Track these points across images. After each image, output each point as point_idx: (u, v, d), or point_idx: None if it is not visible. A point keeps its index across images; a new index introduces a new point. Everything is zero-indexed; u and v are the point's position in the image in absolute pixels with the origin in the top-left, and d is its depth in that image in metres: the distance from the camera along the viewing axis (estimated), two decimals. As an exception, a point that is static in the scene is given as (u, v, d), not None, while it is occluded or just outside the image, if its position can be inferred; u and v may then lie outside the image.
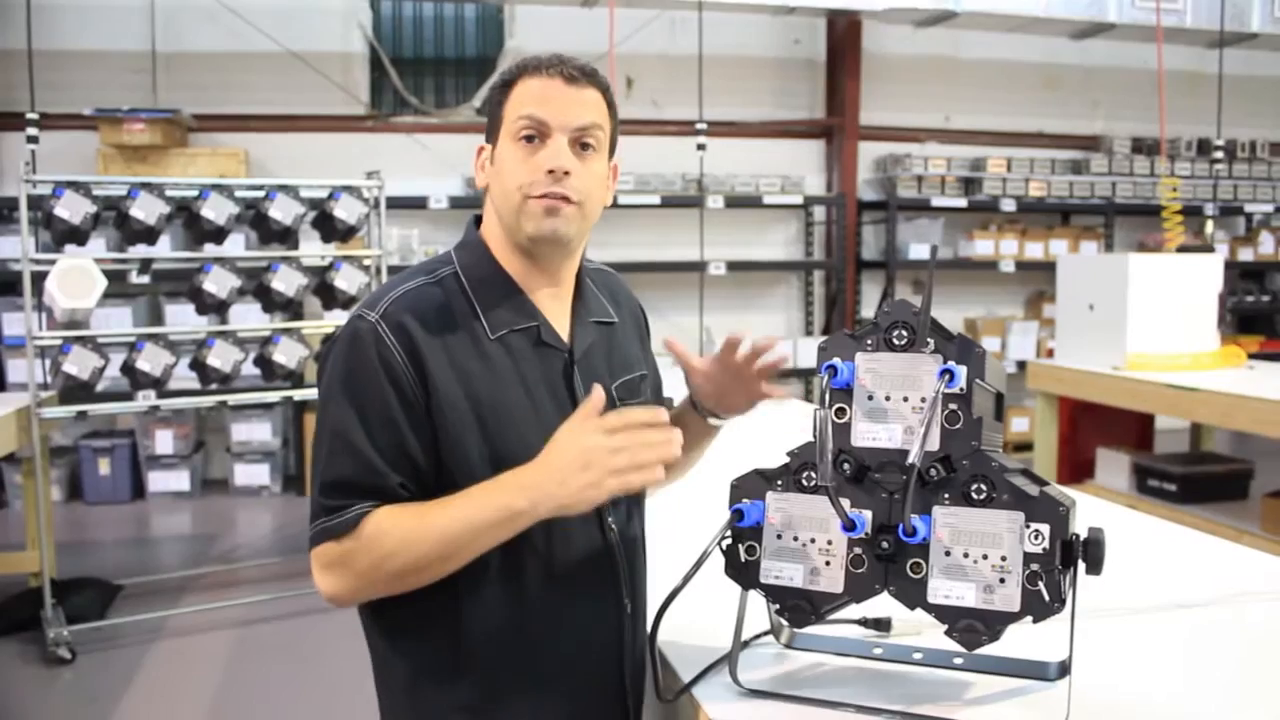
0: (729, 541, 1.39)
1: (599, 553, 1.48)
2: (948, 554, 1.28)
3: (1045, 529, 1.24)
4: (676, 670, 1.47)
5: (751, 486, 1.38)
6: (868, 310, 8.26)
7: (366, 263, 4.88)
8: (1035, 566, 1.24)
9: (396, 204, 6.17)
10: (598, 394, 1.34)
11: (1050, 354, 6.14)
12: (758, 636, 1.55)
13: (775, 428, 3.36)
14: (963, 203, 8.01)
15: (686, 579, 1.34)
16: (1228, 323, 5.43)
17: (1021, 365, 7.84)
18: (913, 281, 8.39)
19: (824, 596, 1.34)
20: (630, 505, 1.55)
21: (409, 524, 1.34)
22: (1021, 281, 8.52)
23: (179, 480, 6.83)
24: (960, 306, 8.34)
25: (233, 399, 4.78)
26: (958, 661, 1.46)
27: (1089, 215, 8.44)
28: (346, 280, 4.76)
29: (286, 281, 4.63)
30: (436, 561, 1.35)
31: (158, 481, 6.82)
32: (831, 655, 1.52)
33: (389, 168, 5.04)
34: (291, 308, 4.77)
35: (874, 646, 1.53)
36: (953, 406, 1.27)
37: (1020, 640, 1.36)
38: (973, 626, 1.26)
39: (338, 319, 5.18)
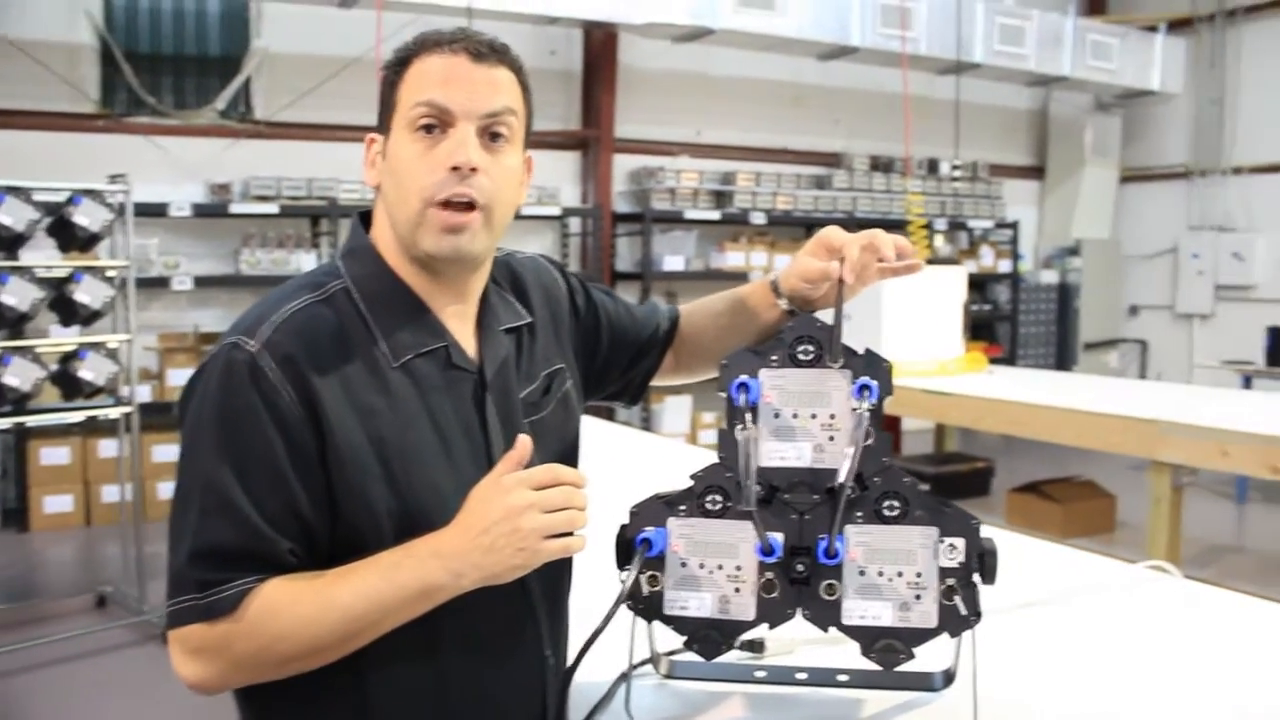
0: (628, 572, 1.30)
1: (520, 609, 1.31)
2: (862, 573, 1.25)
3: (960, 543, 1.23)
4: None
5: (651, 513, 1.29)
6: (624, 321, 8.31)
7: (111, 274, 4.47)
8: (950, 581, 1.23)
9: (134, 211, 5.71)
10: (523, 444, 1.18)
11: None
12: (636, 667, 1.49)
13: (617, 457, 3.23)
14: (715, 215, 8.21)
15: (601, 626, 1.22)
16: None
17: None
18: (665, 292, 8.52)
19: (735, 625, 1.28)
20: None
21: (304, 600, 1.13)
22: (771, 292, 8.81)
23: (-127, 519, 6.05)
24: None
25: (-47, 426, 4.26)
26: (842, 679, 1.44)
27: (832, 229, 8.84)
28: (89, 293, 4.34)
29: (18, 295, 4.16)
30: (336, 644, 1.14)
31: None
32: (713, 682, 1.47)
33: (124, 171, 4.62)
34: (23, 324, 4.30)
35: (755, 670, 1.48)
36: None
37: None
38: (891, 646, 1.23)
39: (75, 337, 4.73)
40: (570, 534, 1.17)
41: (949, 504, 1.25)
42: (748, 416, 1.23)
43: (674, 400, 7.95)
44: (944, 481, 5.57)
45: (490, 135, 1.23)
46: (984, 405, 4.73)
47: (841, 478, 1.18)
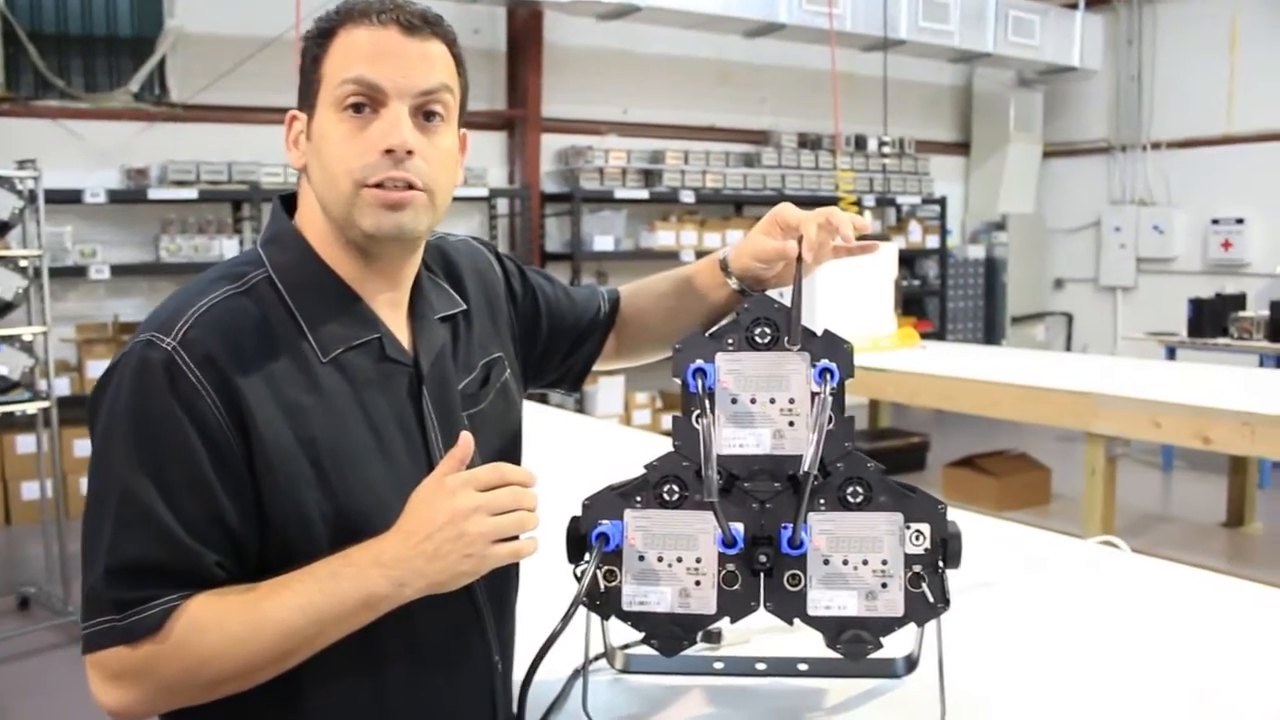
0: (585, 568, 1.24)
1: (465, 615, 1.24)
2: (826, 562, 1.21)
3: (926, 528, 1.20)
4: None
5: (606, 506, 1.24)
6: (555, 303, 8.23)
7: (23, 264, 4.30)
8: (917, 568, 1.20)
9: (46, 198, 5.50)
10: (465, 442, 1.10)
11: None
12: (590, 662, 1.44)
13: (553, 442, 3.17)
14: (644, 194, 8.15)
15: (560, 628, 1.16)
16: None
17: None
18: (595, 273, 8.46)
19: (696, 619, 1.24)
20: None
21: (234, 617, 1.05)
22: (701, 271, 8.79)
23: None
24: (644, 297, 8.49)
25: None
26: (802, 668, 1.41)
27: (761, 206, 8.82)
28: (0, 284, 4.17)
29: (-77, 287, 4.00)
30: (270, 663, 1.06)
31: None
32: (671, 676, 1.43)
33: (33, 156, 4.44)
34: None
35: (713, 661, 1.45)
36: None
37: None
38: (858, 637, 1.20)
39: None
40: (517, 537, 1.11)
41: (914, 489, 1.22)
42: (706, 403, 1.18)
43: (607, 381, 7.90)
44: (880, 457, 5.42)
45: (425, 114, 1.16)
46: (920, 380, 4.75)
47: (806, 465, 1.13)
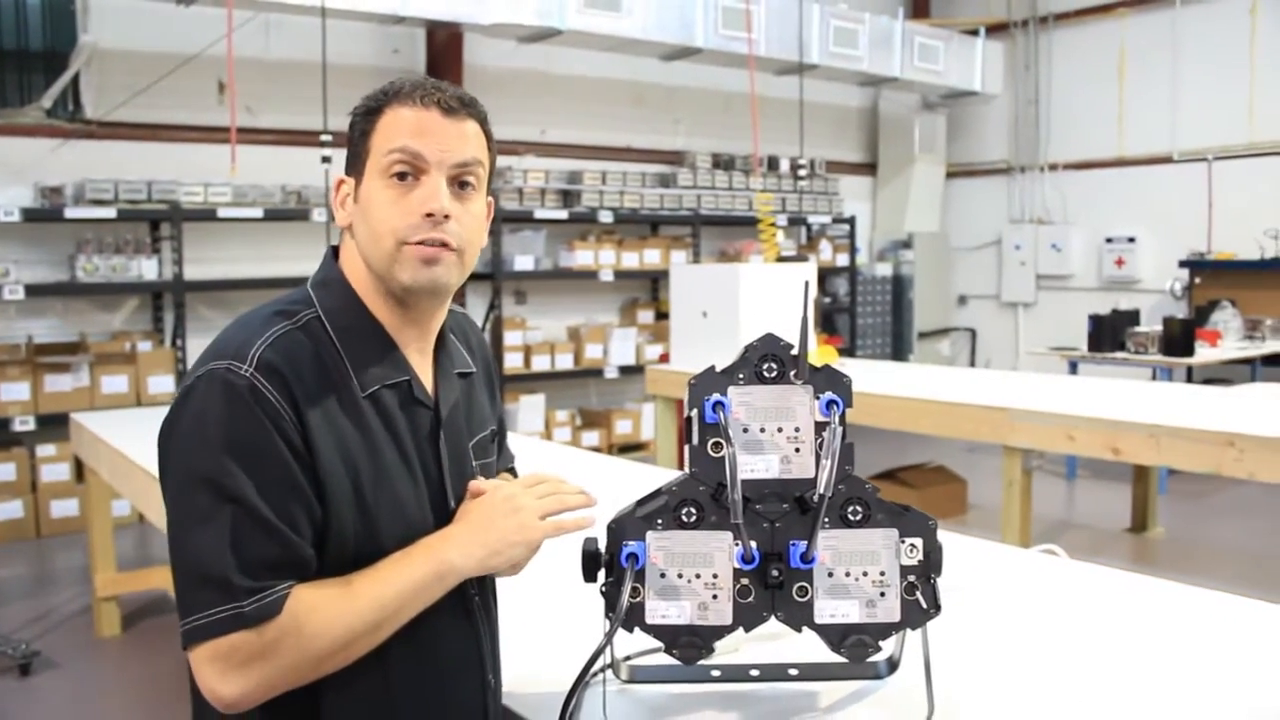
0: (606, 585, 1.35)
1: (464, 631, 1.40)
2: (830, 575, 1.34)
3: (919, 542, 1.33)
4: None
5: (630, 527, 1.36)
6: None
7: (-52, 287, 4.23)
8: (911, 578, 1.34)
9: (-41, 217, 5.41)
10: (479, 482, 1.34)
11: (665, 359, 6.48)
12: (595, 674, 1.54)
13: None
14: (563, 214, 8.23)
15: (601, 646, 1.29)
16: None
17: (624, 370, 8.24)
18: (514, 292, 8.52)
19: (714, 630, 1.36)
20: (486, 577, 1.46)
21: (333, 594, 1.21)
22: (617, 289, 8.93)
23: None
24: (562, 315, 8.60)
25: None
26: (793, 672, 1.53)
27: (677, 226, 9.00)
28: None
29: None
30: (365, 634, 1.22)
31: None
32: (672, 684, 1.53)
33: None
34: None
35: (711, 669, 1.55)
36: (824, 434, 1.33)
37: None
38: (861, 641, 1.33)
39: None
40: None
41: (907, 507, 1.35)
42: (728, 433, 1.29)
43: (528, 400, 7.97)
44: (802, 471, 5.77)
45: (459, 184, 1.32)
46: (843, 397, 4.92)
47: (821, 488, 1.26)
